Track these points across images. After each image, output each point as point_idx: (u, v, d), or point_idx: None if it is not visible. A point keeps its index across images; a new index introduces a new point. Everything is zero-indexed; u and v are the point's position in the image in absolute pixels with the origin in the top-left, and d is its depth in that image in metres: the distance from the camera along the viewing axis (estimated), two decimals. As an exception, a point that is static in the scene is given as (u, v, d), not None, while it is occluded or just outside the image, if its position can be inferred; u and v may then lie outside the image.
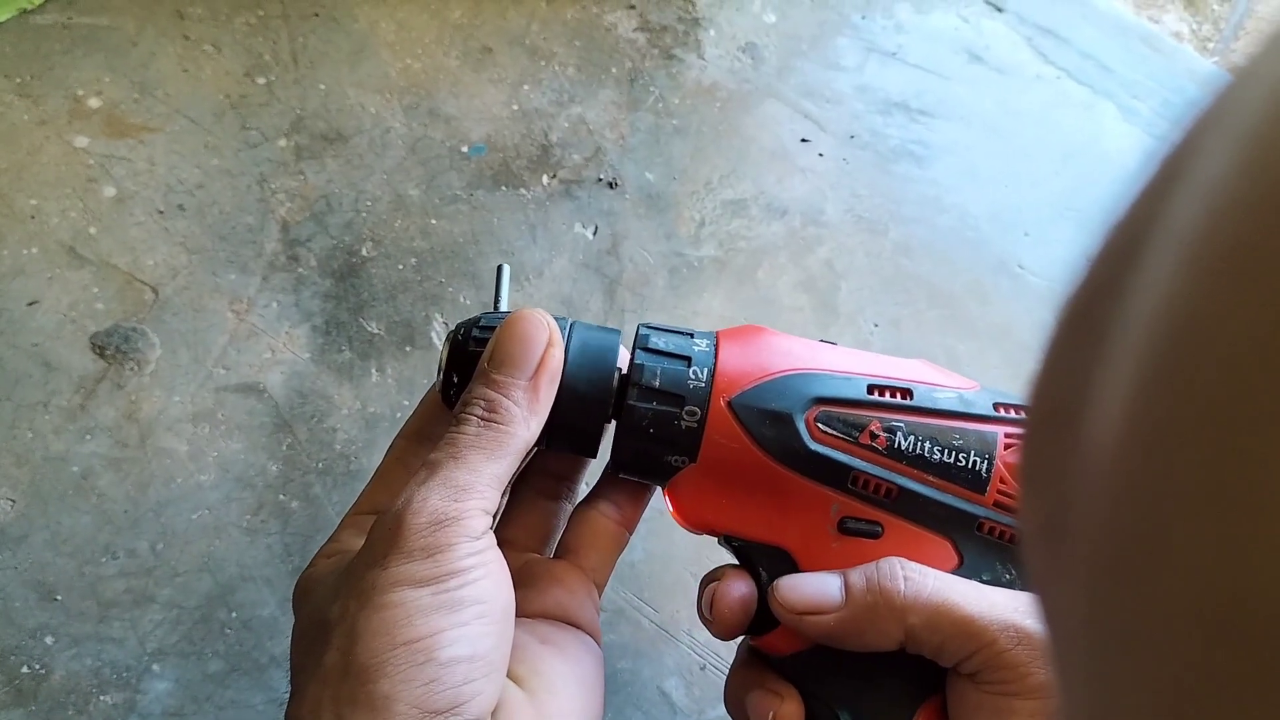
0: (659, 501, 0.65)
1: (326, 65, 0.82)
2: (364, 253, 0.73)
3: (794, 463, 0.38)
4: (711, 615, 0.40)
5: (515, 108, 0.83)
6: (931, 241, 0.81)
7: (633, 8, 0.91)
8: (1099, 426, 0.13)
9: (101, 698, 0.56)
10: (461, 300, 0.72)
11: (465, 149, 0.79)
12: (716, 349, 0.40)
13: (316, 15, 0.85)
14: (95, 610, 0.58)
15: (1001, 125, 0.90)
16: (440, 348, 0.42)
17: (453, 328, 0.42)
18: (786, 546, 0.39)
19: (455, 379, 0.40)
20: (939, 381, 0.40)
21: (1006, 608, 0.36)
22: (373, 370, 0.68)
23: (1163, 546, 0.11)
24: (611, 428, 0.42)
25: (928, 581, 0.37)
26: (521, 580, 0.40)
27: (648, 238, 0.77)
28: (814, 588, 0.38)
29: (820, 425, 0.38)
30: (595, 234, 0.77)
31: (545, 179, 0.79)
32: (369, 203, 0.75)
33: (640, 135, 0.83)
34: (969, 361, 0.75)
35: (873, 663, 0.39)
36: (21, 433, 0.62)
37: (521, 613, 0.41)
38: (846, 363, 0.40)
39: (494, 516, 0.37)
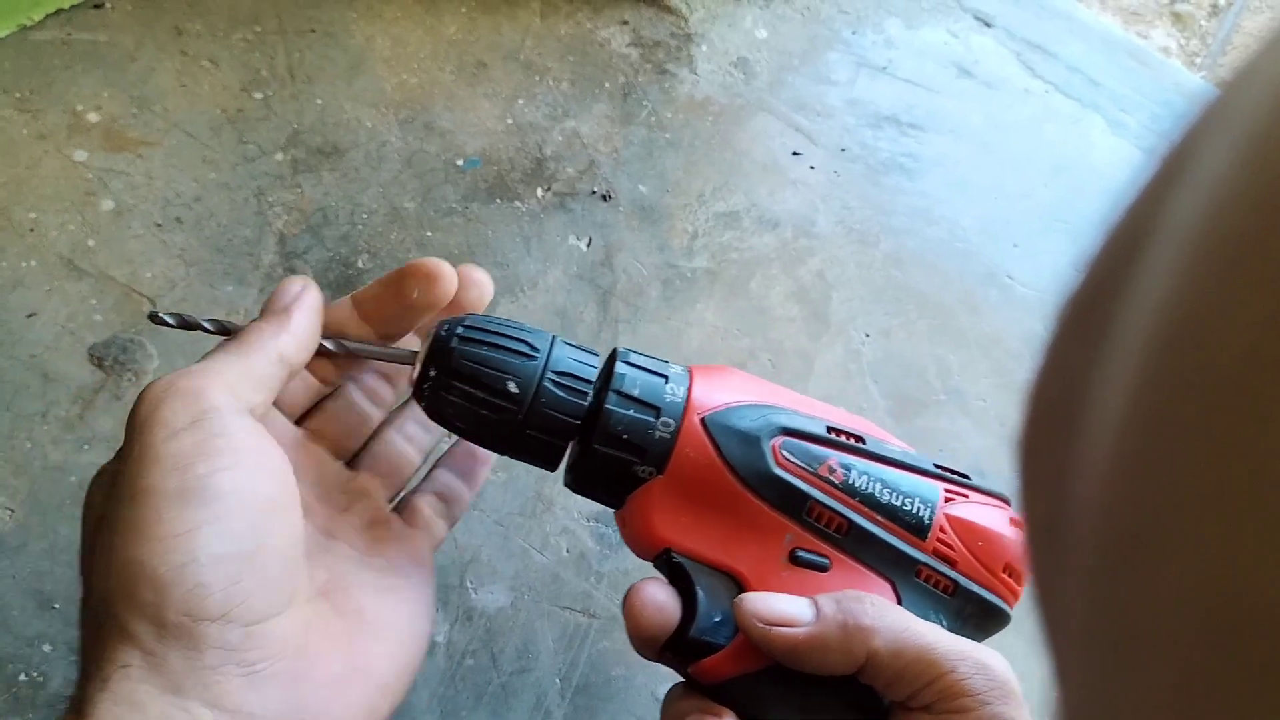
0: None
1: (323, 80, 0.83)
2: (360, 265, 0.73)
3: (757, 485, 0.39)
4: (626, 614, 0.40)
5: (510, 122, 0.83)
6: (922, 253, 0.82)
7: (626, 23, 0.92)
8: (1099, 424, 0.13)
9: (99, 705, 0.56)
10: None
11: (460, 162, 0.80)
12: (692, 373, 0.41)
13: (313, 31, 0.85)
14: (93, 618, 0.58)
15: (991, 138, 0.91)
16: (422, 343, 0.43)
17: (437, 325, 0.43)
18: (738, 570, 0.40)
19: (431, 373, 0.41)
20: (884, 437, 0.43)
21: (963, 641, 0.37)
22: (369, 381, 0.69)
23: (1162, 544, 0.11)
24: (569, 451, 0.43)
25: (890, 610, 0.37)
26: (376, 521, 0.41)
27: (641, 249, 0.78)
28: (783, 601, 0.38)
29: (784, 453, 0.40)
30: (589, 246, 0.78)
31: (539, 192, 0.80)
32: (365, 215, 0.76)
33: (633, 148, 0.84)
34: (960, 371, 0.76)
35: (817, 689, 0.38)
36: (20, 443, 0.62)
37: (367, 549, 0.40)
38: (805, 406, 0.42)
39: (253, 410, 0.36)
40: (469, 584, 0.62)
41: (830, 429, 0.41)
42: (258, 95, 0.81)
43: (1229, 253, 0.11)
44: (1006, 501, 0.43)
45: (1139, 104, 0.97)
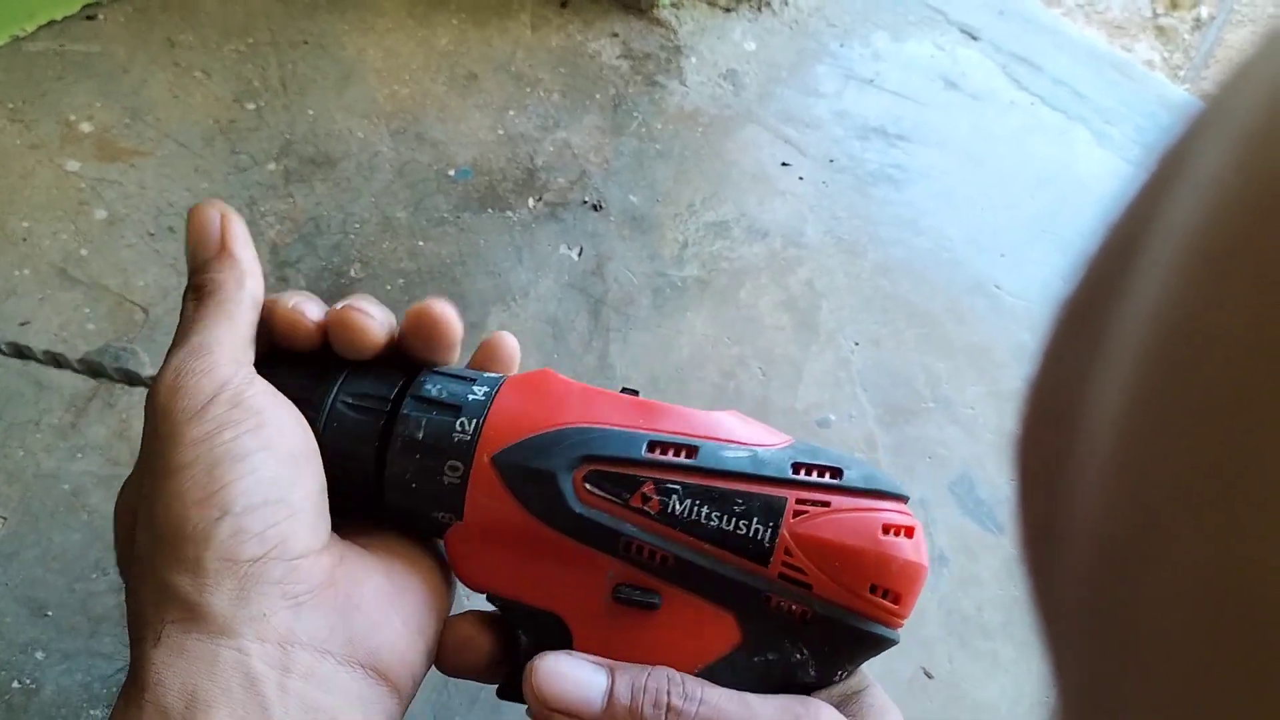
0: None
1: (315, 91, 0.83)
2: (352, 274, 0.74)
3: (560, 524, 0.35)
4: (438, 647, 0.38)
5: (501, 132, 0.84)
6: (909, 262, 0.83)
7: (616, 36, 0.92)
8: (1097, 423, 0.13)
9: (91, 712, 0.56)
10: (449, 320, 0.73)
11: (452, 172, 0.81)
12: (494, 399, 0.37)
13: (305, 43, 0.86)
14: (86, 626, 0.58)
15: (977, 150, 0.92)
16: None
17: None
18: (559, 613, 0.37)
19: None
20: (739, 437, 0.37)
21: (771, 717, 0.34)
22: (361, 389, 0.69)
23: (1161, 542, 0.11)
24: None
25: (691, 709, 0.34)
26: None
27: (632, 258, 0.78)
28: (574, 684, 0.35)
29: (588, 485, 0.35)
30: (580, 255, 0.78)
31: (531, 201, 0.80)
32: (357, 225, 0.76)
33: (624, 159, 0.84)
34: (948, 379, 0.77)
35: None
36: (13, 451, 0.63)
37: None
38: (633, 417, 0.37)
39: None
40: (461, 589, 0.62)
41: (654, 444, 0.36)
42: (250, 106, 0.81)
43: (1225, 251, 0.11)
44: (892, 497, 0.36)
45: (1124, 116, 0.98)
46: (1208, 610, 0.11)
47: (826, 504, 0.35)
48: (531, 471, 0.35)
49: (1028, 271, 0.84)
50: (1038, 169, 0.92)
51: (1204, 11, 1.45)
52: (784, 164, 0.87)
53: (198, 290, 0.38)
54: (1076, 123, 0.96)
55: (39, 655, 0.57)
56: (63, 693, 0.56)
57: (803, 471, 0.36)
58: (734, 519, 0.35)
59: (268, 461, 0.34)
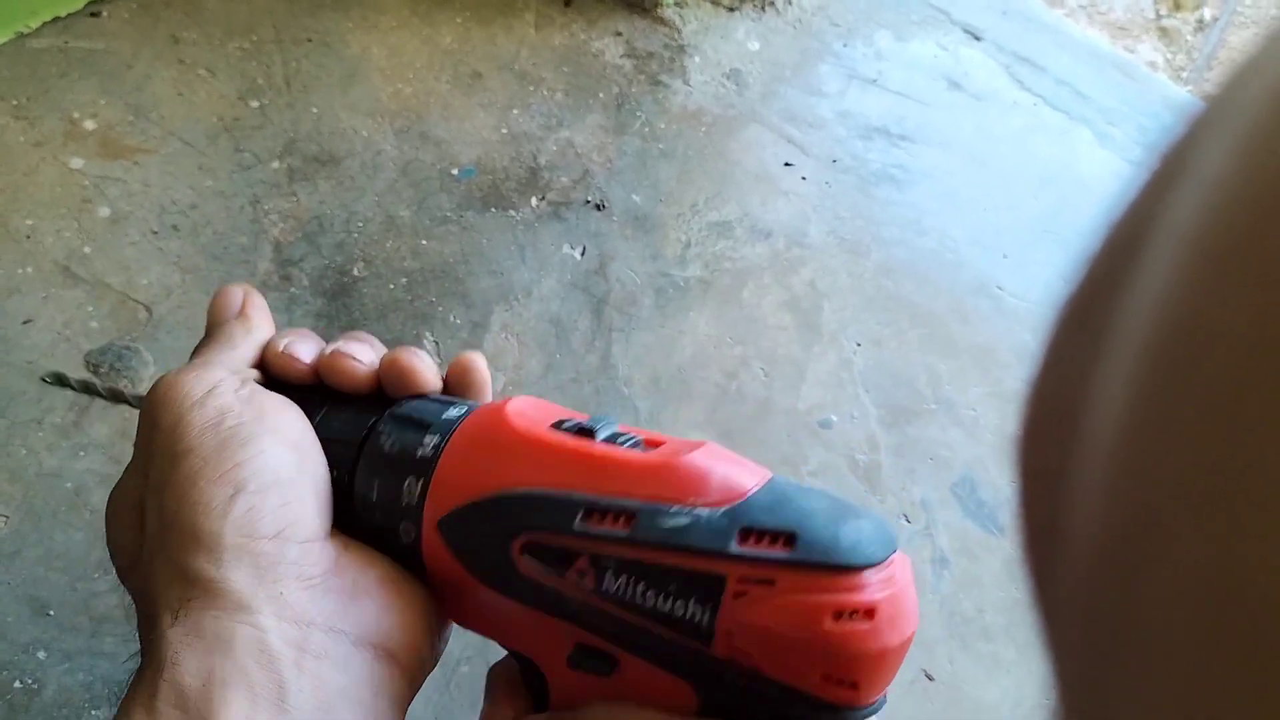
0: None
1: (319, 89, 0.83)
2: (355, 272, 0.74)
3: (507, 592, 0.34)
4: None
5: (504, 131, 0.84)
6: (912, 263, 0.83)
7: (620, 35, 0.92)
8: (1098, 423, 0.13)
9: (94, 712, 0.56)
10: (451, 319, 0.73)
11: (455, 171, 0.81)
12: (441, 454, 0.36)
13: (309, 40, 0.86)
14: (88, 625, 0.58)
15: (980, 150, 0.92)
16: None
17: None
18: (534, 659, 0.36)
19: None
20: (694, 491, 0.33)
21: None
22: (364, 388, 0.69)
23: (1162, 541, 0.11)
24: None
25: None
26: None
27: (635, 258, 0.78)
28: None
29: (525, 557, 0.34)
30: (583, 254, 0.78)
31: (534, 201, 0.80)
32: (360, 223, 0.76)
33: (627, 158, 0.84)
34: (950, 380, 0.77)
35: None
36: (15, 449, 0.63)
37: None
38: (576, 477, 0.34)
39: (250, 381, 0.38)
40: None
41: (591, 511, 0.33)
42: (254, 104, 0.81)
43: (1227, 251, 0.11)
44: (853, 569, 0.31)
45: (1126, 117, 0.98)
46: (1208, 610, 0.10)
47: (771, 582, 0.31)
48: (473, 540, 0.35)
49: (1030, 272, 0.84)
50: (1040, 169, 0.92)
51: (1207, 13, 1.45)
52: (787, 164, 0.87)
53: (207, 333, 0.40)
54: (1079, 123, 0.96)
55: (41, 655, 0.57)
56: (64, 692, 0.56)
57: (751, 539, 0.31)
58: (670, 598, 0.32)
59: (273, 445, 0.35)
